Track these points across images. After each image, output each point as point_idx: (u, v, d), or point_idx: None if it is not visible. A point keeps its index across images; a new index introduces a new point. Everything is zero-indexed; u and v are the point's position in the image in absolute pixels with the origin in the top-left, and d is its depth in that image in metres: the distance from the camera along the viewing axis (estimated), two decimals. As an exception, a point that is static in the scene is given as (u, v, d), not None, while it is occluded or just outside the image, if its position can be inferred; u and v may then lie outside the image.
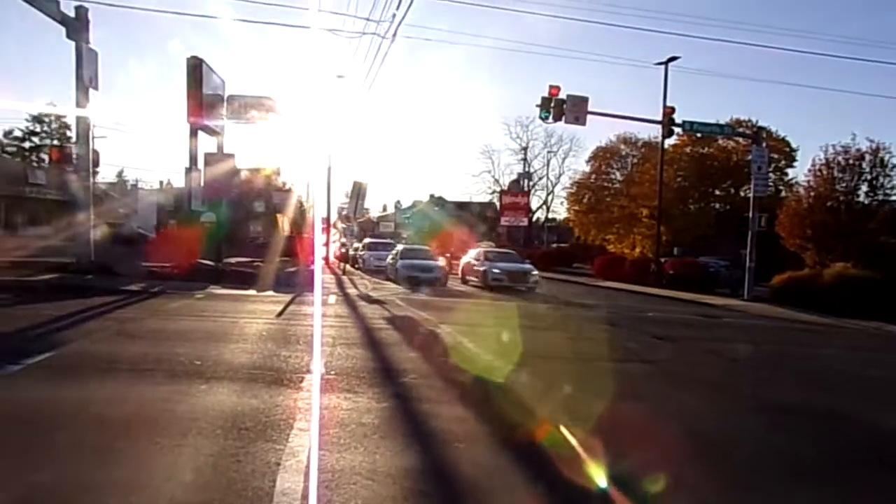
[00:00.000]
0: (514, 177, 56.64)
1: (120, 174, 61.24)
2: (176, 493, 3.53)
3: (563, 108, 19.96)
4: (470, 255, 24.61)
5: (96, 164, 18.40)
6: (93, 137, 17.70)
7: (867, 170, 21.75)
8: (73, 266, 16.48)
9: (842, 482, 4.49)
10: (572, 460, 4.44)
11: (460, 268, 24.76)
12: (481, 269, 22.08)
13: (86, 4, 16.36)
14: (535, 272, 22.03)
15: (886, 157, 21.77)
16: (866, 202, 21.86)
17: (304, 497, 3.48)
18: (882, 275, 17.29)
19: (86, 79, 16.20)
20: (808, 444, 5.29)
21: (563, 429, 4.92)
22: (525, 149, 56.08)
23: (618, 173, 42.82)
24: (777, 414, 6.31)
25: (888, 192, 21.90)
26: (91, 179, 18.01)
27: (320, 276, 22.29)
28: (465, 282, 23.45)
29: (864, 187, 21.87)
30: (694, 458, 4.61)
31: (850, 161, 21.76)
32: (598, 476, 4.12)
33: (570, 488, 3.95)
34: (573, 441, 4.70)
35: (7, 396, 5.38)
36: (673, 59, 25.67)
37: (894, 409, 6.96)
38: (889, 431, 5.94)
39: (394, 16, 14.31)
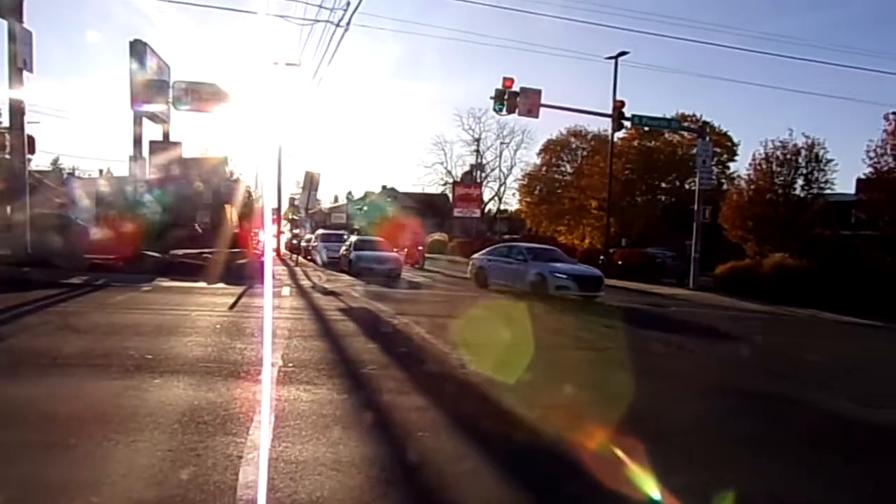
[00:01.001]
0: (467, 168, 57.01)
1: (55, 162, 58.36)
2: (135, 488, 3.44)
3: (516, 100, 20.12)
4: (495, 255, 18.35)
5: (31, 150, 17.48)
6: (26, 122, 16.77)
7: (803, 164, 22.83)
8: (9, 258, 15.66)
9: (784, 455, 4.74)
10: (533, 445, 4.55)
11: (473, 270, 18.93)
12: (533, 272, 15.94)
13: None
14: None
15: (821, 153, 22.91)
16: (802, 195, 22.95)
17: (269, 489, 3.44)
18: (817, 265, 18.20)
19: (19, 60, 15.36)
20: (754, 424, 5.56)
21: (521, 414, 5.03)
22: (478, 140, 56.46)
23: (568, 166, 43.57)
24: (723, 397, 6.60)
25: (822, 186, 23.05)
26: (25, 166, 17.13)
27: (270, 267, 21.89)
28: (482, 285, 17.90)
29: (801, 181, 22.97)
30: (653, 437, 4.77)
31: (788, 156, 22.80)
32: (560, 458, 4.24)
33: (531, 471, 4.05)
34: (534, 426, 4.81)
35: (-56, 395, 5.11)
36: (622, 53, 26.23)
37: (829, 392, 7.36)
38: (824, 412, 6.29)
39: (348, 4, 14.08)
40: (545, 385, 6.44)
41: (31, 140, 17.05)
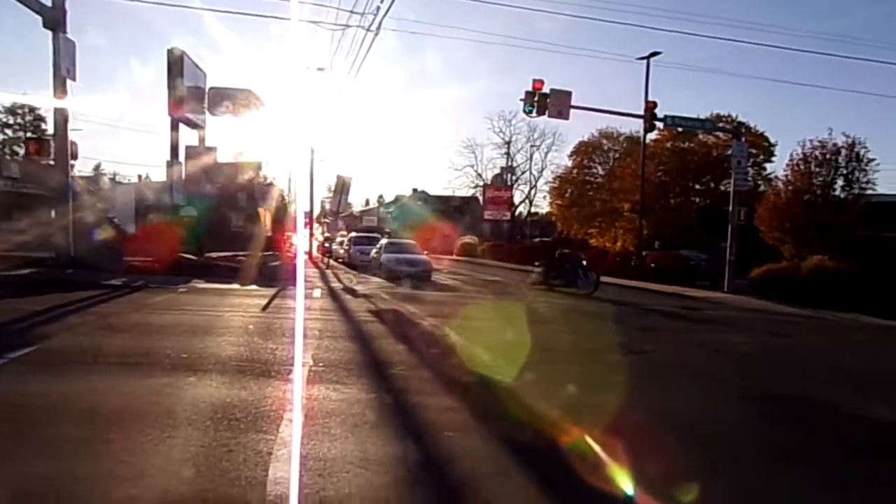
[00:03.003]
0: (497, 171, 56.89)
1: (97, 168, 60.17)
2: (170, 482, 3.54)
3: (546, 102, 20.00)
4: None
5: (74, 156, 18.11)
6: (70, 129, 17.37)
7: (843, 164, 22.14)
8: (53, 260, 16.25)
9: (821, 465, 4.61)
10: (566, 449, 4.52)
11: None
12: None
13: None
14: None
15: (862, 152, 22.19)
16: (842, 196, 22.26)
17: (298, 485, 3.50)
18: (857, 267, 17.64)
19: (63, 69, 15.93)
20: (791, 430, 5.42)
21: (554, 418, 5.00)
22: (508, 143, 56.27)
23: (599, 168, 43.14)
24: (762, 402, 6.45)
25: (863, 186, 22.32)
26: (69, 172, 17.73)
27: (303, 269, 22.19)
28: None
29: (840, 181, 22.26)
30: (685, 441, 4.70)
31: (827, 156, 22.14)
32: (593, 463, 4.20)
33: (563, 475, 4.03)
34: (566, 429, 4.78)
35: (-9, 390, 5.32)
36: (655, 54, 25.95)
37: (870, 398, 7.14)
38: (869, 419, 6.10)
39: (378, 8, 14.23)
40: (580, 389, 6.38)
41: (74, 146, 17.66)
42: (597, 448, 4.36)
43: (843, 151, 22.08)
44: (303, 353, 7.13)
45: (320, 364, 6.63)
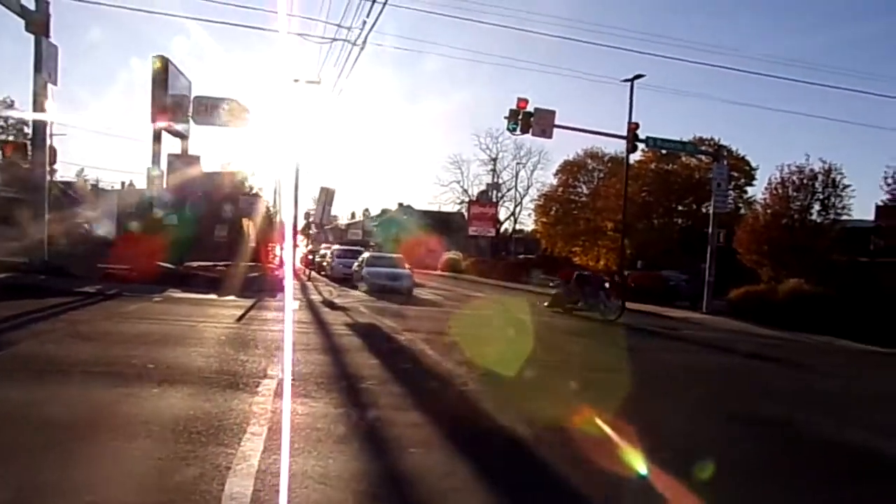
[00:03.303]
0: (483, 187, 57.12)
1: (80, 173, 59.53)
2: (120, 495, 3.46)
3: (530, 120, 20.20)
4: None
5: (53, 161, 17.91)
6: (51, 134, 17.25)
7: (819, 189, 22.56)
8: (26, 266, 15.98)
9: (788, 482, 4.63)
10: (531, 466, 4.50)
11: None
12: None
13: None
14: None
15: (838, 178, 22.64)
16: (819, 220, 22.65)
17: (254, 501, 3.44)
18: (833, 291, 17.88)
19: (44, 73, 15.81)
20: (765, 450, 5.44)
21: (520, 433, 4.97)
22: (494, 160, 56.61)
23: (584, 187, 43.51)
24: (735, 422, 6.47)
25: (839, 211, 22.75)
26: (47, 177, 17.52)
27: (291, 281, 22.03)
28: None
29: (817, 206, 22.68)
30: (658, 459, 4.70)
31: (804, 181, 22.55)
32: (559, 477, 4.18)
33: (527, 493, 4.00)
34: (533, 444, 4.76)
35: (-53, 397, 5.19)
36: (638, 76, 26.21)
37: (846, 421, 7.19)
38: (843, 443, 6.14)
39: (364, 23, 14.33)
40: (551, 406, 6.36)
41: (53, 151, 17.54)
42: (564, 464, 4.34)
43: (820, 177, 22.52)
44: (273, 365, 7.06)
45: (290, 377, 6.55)
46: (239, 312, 12.10)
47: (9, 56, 73.40)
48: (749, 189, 38.25)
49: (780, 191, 22.89)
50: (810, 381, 10.21)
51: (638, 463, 4.51)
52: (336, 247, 35.43)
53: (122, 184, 53.69)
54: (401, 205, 69.04)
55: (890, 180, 20.65)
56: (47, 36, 15.88)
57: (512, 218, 58.35)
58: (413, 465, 4.31)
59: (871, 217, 25.65)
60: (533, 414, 5.92)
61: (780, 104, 77.23)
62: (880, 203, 23.29)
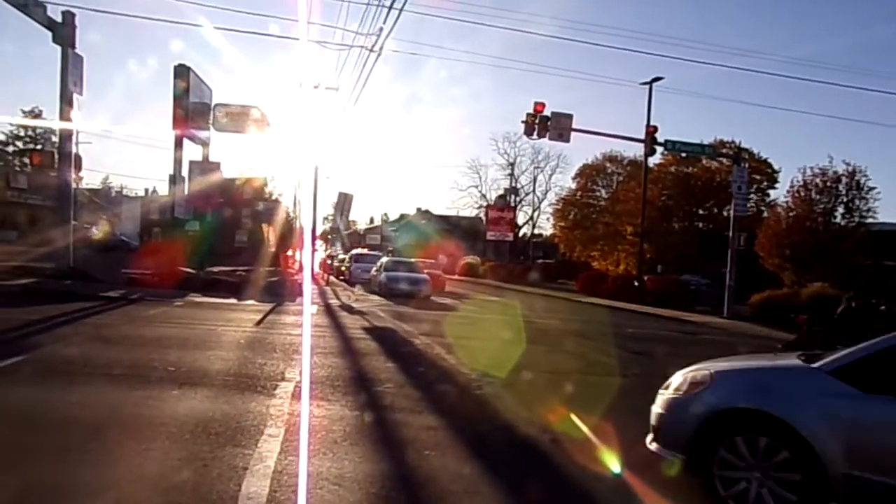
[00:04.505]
0: (501, 192, 57.04)
1: (105, 180, 60.68)
2: (139, 495, 3.54)
3: (547, 124, 20.15)
4: None
5: (78, 168, 18.27)
6: (76, 143, 17.63)
7: (843, 192, 22.20)
8: (52, 271, 16.33)
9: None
10: (544, 467, 4.50)
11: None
12: None
13: (73, 10, 16.40)
14: None
15: (862, 180, 22.25)
16: (843, 223, 22.27)
17: (270, 501, 3.49)
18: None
19: (70, 83, 16.17)
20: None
21: (534, 436, 4.97)
22: (512, 164, 56.50)
23: (603, 191, 43.31)
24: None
25: (864, 214, 22.34)
26: (72, 185, 17.90)
27: (309, 285, 22.25)
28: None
29: (841, 209, 22.31)
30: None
31: (828, 183, 22.20)
32: (567, 481, 4.17)
33: (537, 495, 4.01)
34: (546, 448, 4.76)
35: (-25, 399, 5.34)
36: (657, 79, 26.06)
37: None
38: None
39: (381, 29, 14.42)
40: (563, 408, 6.34)
41: (78, 159, 17.85)
42: (574, 468, 4.33)
43: (844, 179, 22.16)
44: (291, 368, 7.13)
45: (307, 380, 6.61)
46: (258, 316, 12.23)
47: (36, 66, 75.21)
48: (771, 192, 37.78)
49: (802, 193, 22.57)
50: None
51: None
52: (354, 251, 35.61)
53: (146, 190, 54.59)
54: (419, 209, 69.21)
55: (916, 182, 20.27)
56: (73, 47, 16.25)
57: (530, 222, 58.25)
58: (428, 468, 4.33)
59: (897, 220, 25.21)
60: (546, 413, 5.91)
61: (803, 106, 76.03)
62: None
